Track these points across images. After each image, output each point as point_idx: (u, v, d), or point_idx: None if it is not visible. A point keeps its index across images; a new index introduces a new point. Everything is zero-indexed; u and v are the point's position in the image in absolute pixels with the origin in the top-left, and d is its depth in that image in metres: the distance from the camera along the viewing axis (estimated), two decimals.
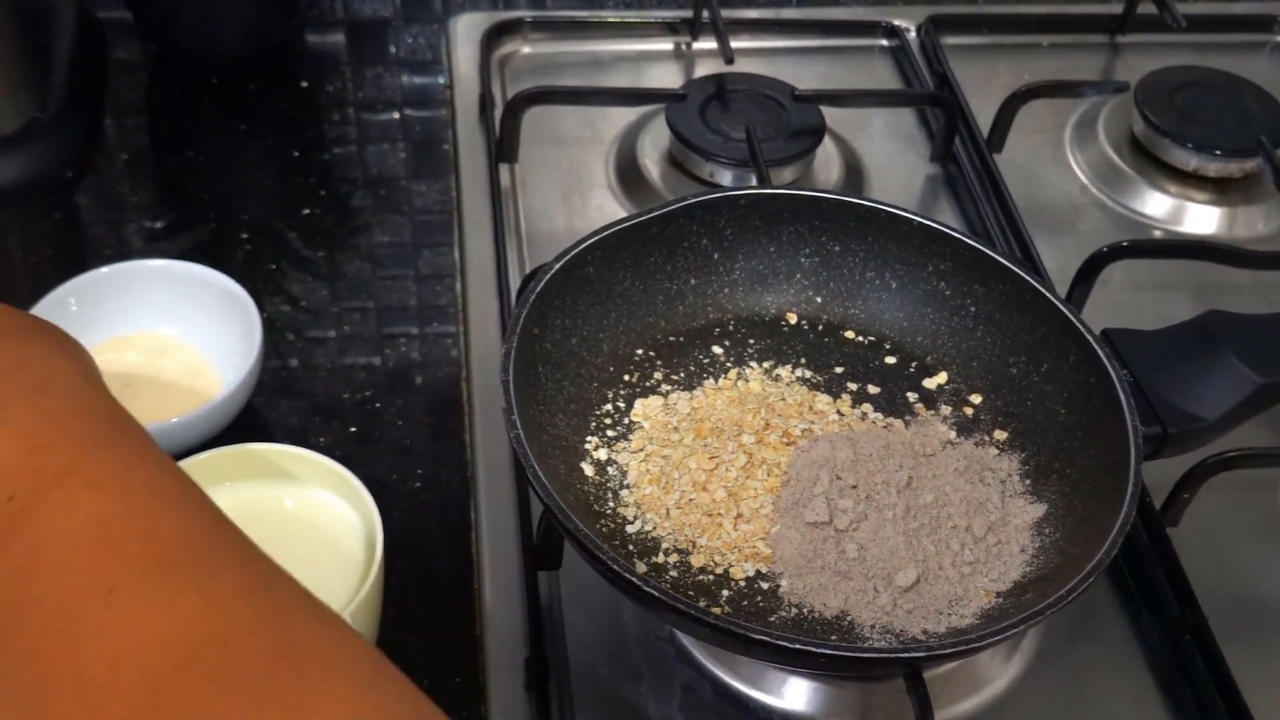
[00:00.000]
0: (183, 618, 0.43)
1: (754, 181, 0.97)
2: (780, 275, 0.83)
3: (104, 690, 0.41)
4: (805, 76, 1.10)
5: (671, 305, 0.81)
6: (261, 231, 0.98)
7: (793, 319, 0.83)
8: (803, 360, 0.81)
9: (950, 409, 0.79)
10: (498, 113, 1.03)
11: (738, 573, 0.70)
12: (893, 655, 0.64)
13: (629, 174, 1.02)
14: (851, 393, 0.79)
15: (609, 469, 0.74)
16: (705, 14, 1.11)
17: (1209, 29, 1.19)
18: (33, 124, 0.99)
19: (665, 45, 1.16)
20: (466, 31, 1.14)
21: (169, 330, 0.85)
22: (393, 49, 1.17)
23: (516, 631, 0.73)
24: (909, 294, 0.82)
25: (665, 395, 0.78)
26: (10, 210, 0.97)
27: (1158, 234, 1.03)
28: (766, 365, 0.80)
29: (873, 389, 0.80)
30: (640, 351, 0.80)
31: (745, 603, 0.68)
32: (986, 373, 0.80)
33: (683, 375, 0.79)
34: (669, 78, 1.13)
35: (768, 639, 0.60)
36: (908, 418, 0.78)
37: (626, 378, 0.79)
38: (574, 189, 1.01)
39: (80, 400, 0.53)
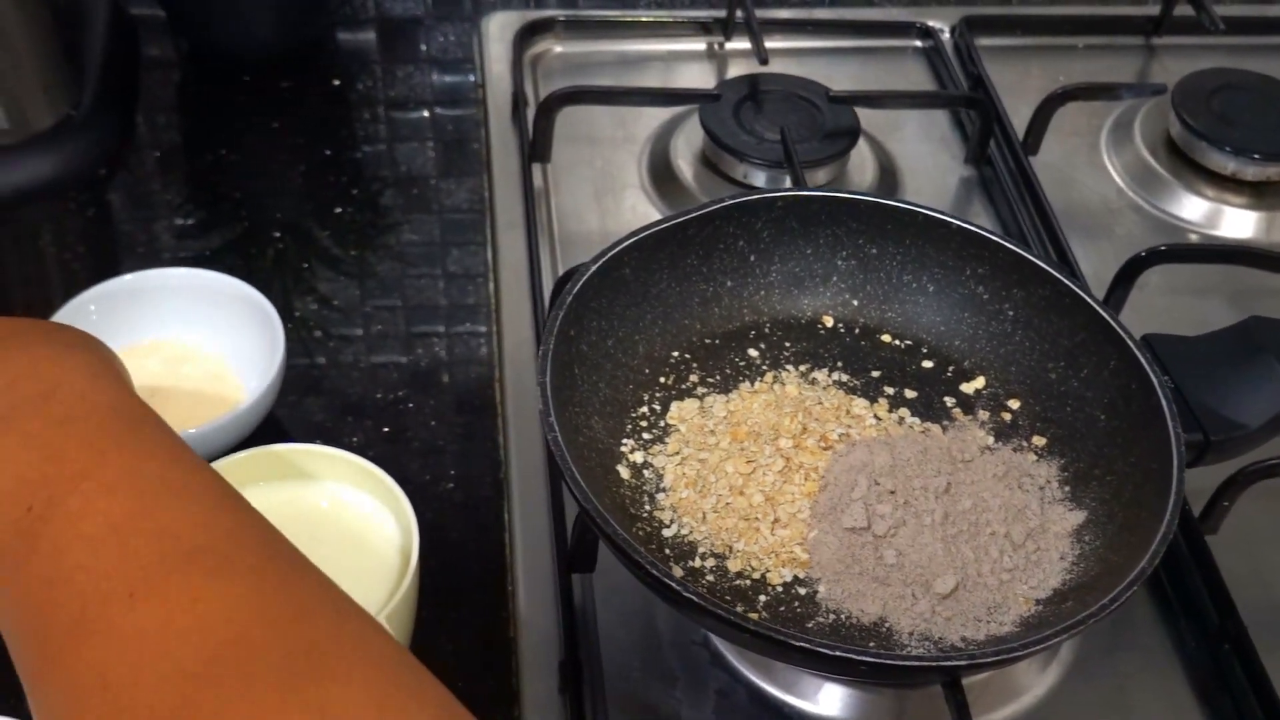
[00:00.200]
0: (204, 619, 0.43)
1: (788, 183, 0.96)
2: (817, 278, 0.83)
3: (130, 694, 0.41)
4: (838, 77, 1.10)
5: (707, 307, 0.81)
6: (292, 230, 0.98)
7: (829, 322, 0.82)
8: (839, 364, 0.80)
9: (988, 414, 0.78)
10: (530, 112, 1.03)
11: (775, 578, 0.69)
12: (933, 664, 0.63)
13: (662, 175, 1.02)
14: (889, 397, 0.79)
15: (645, 472, 0.74)
16: (739, 14, 1.11)
17: (1246, 31, 1.18)
18: (66, 121, 0.99)
19: (698, 45, 1.16)
20: (499, 30, 1.14)
21: (190, 338, 0.85)
22: (424, 47, 1.17)
23: (550, 635, 0.73)
24: (946, 298, 0.82)
25: (701, 398, 0.77)
26: (43, 207, 0.97)
27: (1194, 238, 1.02)
28: (803, 369, 0.80)
29: (910, 393, 0.79)
30: (676, 354, 0.79)
31: (783, 608, 0.68)
32: (1025, 377, 0.79)
33: (718, 378, 0.79)
34: (701, 78, 1.13)
35: (808, 646, 0.59)
36: (945, 423, 0.78)
37: (662, 380, 0.78)
38: (607, 189, 1.01)
39: (89, 401, 0.52)
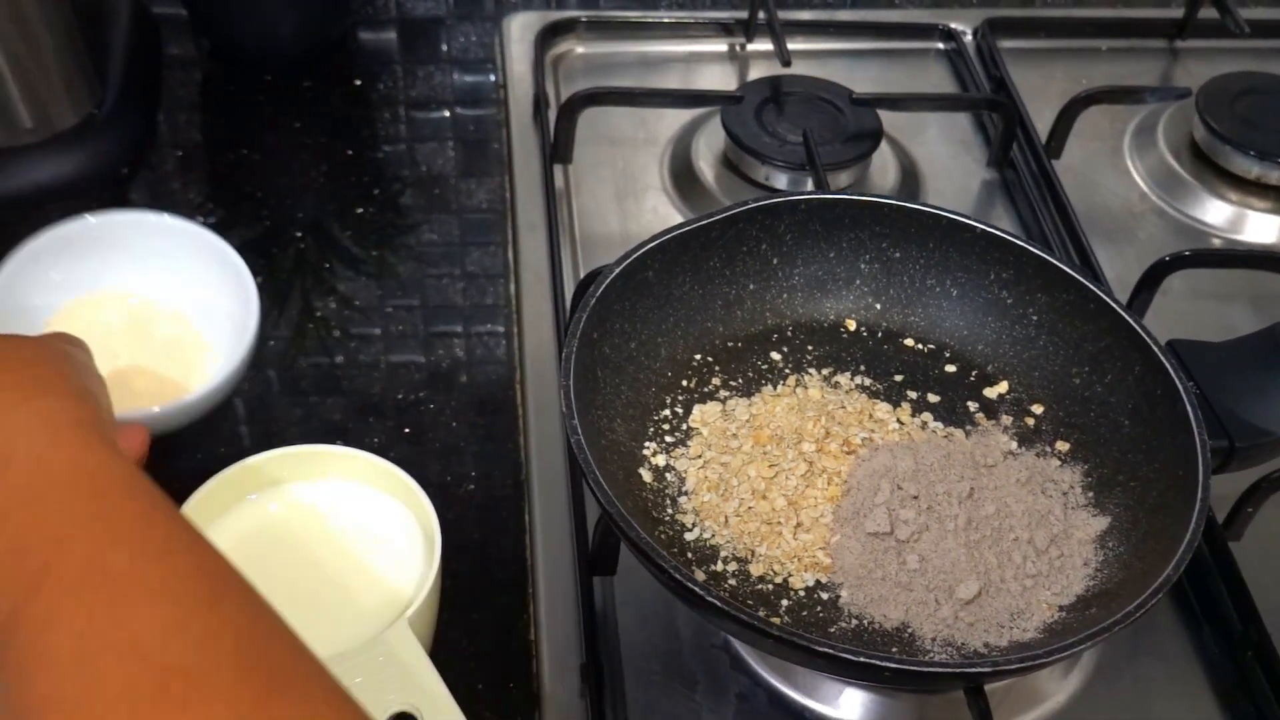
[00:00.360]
0: None
1: (810, 185, 0.96)
2: (839, 281, 0.82)
3: None
4: (859, 79, 1.09)
5: (730, 310, 0.81)
6: (313, 230, 0.98)
7: (852, 326, 0.82)
8: (862, 368, 0.80)
9: (1011, 419, 0.78)
10: (552, 113, 1.03)
11: (797, 582, 0.69)
12: (957, 670, 0.63)
13: (683, 176, 1.02)
14: (911, 401, 0.79)
15: (667, 475, 0.74)
16: (761, 15, 1.10)
17: (1272, 34, 1.18)
18: (89, 120, 0.99)
19: (719, 46, 1.15)
20: (520, 31, 1.14)
21: (154, 289, 0.82)
22: (445, 47, 1.16)
23: (571, 637, 0.73)
24: (970, 302, 0.81)
25: (723, 401, 0.77)
26: (66, 205, 0.97)
27: (1217, 242, 1.02)
28: (825, 372, 0.80)
29: (933, 398, 0.79)
30: (698, 357, 0.79)
31: (805, 613, 0.68)
32: (1048, 382, 0.79)
33: (741, 381, 0.79)
34: (723, 79, 1.13)
35: (832, 651, 0.59)
36: (968, 427, 0.77)
37: (684, 383, 0.78)
38: (628, 191, 1.01)
39: (48, 468, 0.50)
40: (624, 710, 0.70)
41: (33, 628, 0.44)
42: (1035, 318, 0.79)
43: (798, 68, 1.06)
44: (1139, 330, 0.74)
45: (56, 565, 0.45)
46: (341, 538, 0.68)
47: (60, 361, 0.59)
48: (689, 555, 0.70)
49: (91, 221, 0.79)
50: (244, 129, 1.06)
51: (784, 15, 1.12)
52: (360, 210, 1.00)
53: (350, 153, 1.04)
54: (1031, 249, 0.79)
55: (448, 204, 1.01)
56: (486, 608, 0.75)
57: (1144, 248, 0.99)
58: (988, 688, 0.68)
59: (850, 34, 1.18)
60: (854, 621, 0.67)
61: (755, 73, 1.12)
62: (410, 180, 1.03)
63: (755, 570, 0.69)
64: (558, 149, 1.01)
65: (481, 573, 0.77)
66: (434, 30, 1.17)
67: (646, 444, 0.75)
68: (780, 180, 0.99)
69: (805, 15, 1.19)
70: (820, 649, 0.59)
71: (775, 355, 0.80)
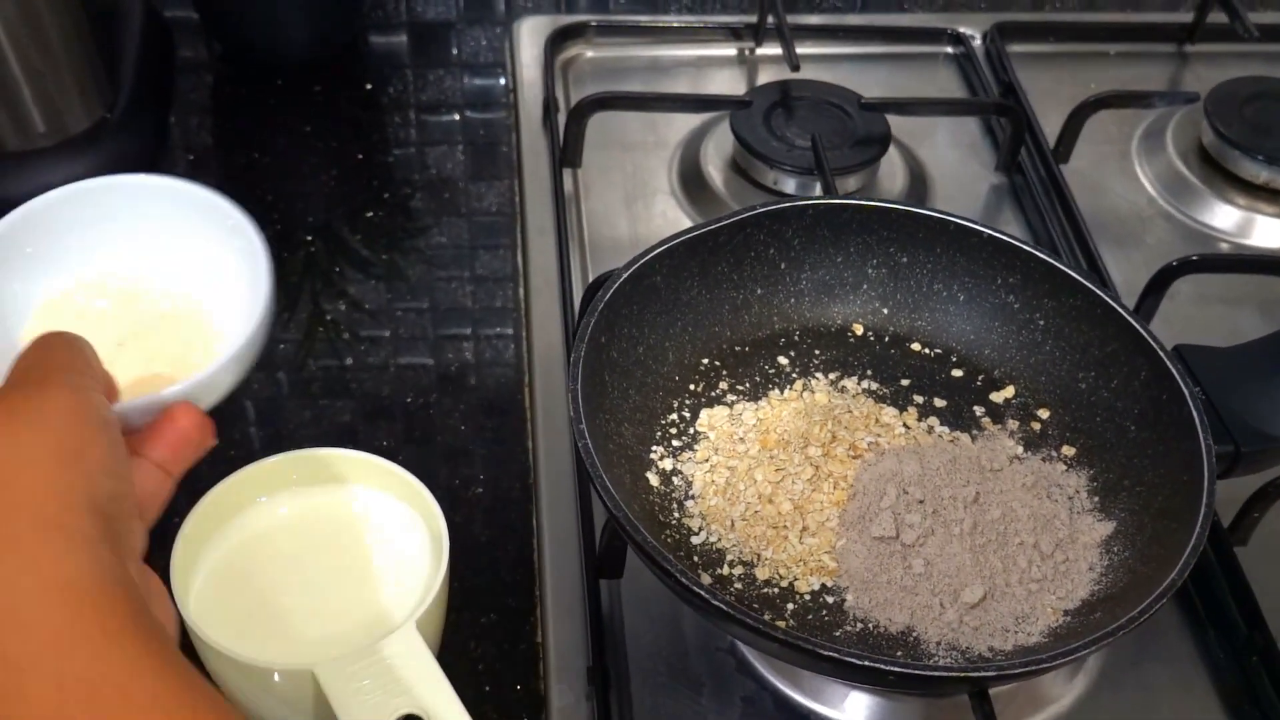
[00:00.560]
0: None
1: (819, 190, 0.97)
2: (847, 286, 0.83)
3: None
4: (868, 83, 1.10)
5: (737, 315, 0.81)
6: (323, 233, 0.98)
7: (859, 330, 0.82)
8: (869, 372, 0.80)
9: (1018, 423, 0.78)
10: (561, 117, 1.03)
11: (803, 586, 0.69)
12: (961, 674, 0.63)
13: (692, 180, 1.02)
14: (918, 405, 0.79)
15: (674, 479, 0.74)
16: (770, 19, 1.11)
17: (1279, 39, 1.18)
18: (101, 124, 0.99)
19: (729, 51, 1.16)
20: (530, 35, 1.14)
21: (147, 267, 0.71)
22: (455, 51, 1.17)
23: (578, 640, 0.73)
24: (977, 306, 0.81)
25: (731, 405, 0.78)
26: None
27: (1225, 247, 1.02)
28: (832, 376, 0.80)
29: (939, 402, 0.79)
30: (706, 361, 0.79)
31: (810, 617, 0.68)
32: (1055, 387, 0.79)
33: (748, 386, 0.79)
34: (732, 83, 1.13)
35: (836, 655, 0.59)
36: (975, 432, 0.78)
37: (692, 387, 0.78)
38: (637, 195, 1.01)
39: (26, 596, 0.46)
40: (630, 713, 0.70)
41: None
42: (1042, 322, 0.80)
43: (807, 72, 1.06)
44: (1145, 335, 0.74)
45: None
46: (350, 541, 0.69)
47: (47, 461, 0.51)
48: (695, 559, 0.70)
49: (69, 191, 0.68)
50: (255, 132, 1.07)
51: (793, 20, 1.12)
52: (370, 214, 1.00)
53: (360, 156, 1.05)
54: (1038, 254, 0.79)
55: (457, 207, 1.01)
56: (494, 610, 0.76)
57: (1152, 252, 0.99)
58: (992, 692, 0.68)
59: (859, 38, 1.18)
60: (859, 625, 0.68)
61: (764, 77, 1.12)
62: (420, 184, 1.03)
63: (761, 574, 0.70)
64: (567, 153, 1.01)
65: (489, 575, 0.78)
66: (444, 34, 1.18)
67: (654, 448, 0.75)
68: (789, 185, 0.99)
69: (814, 20, 1.19)
70: (825, 653, 0.59)
71: (782, 359, 0.81)
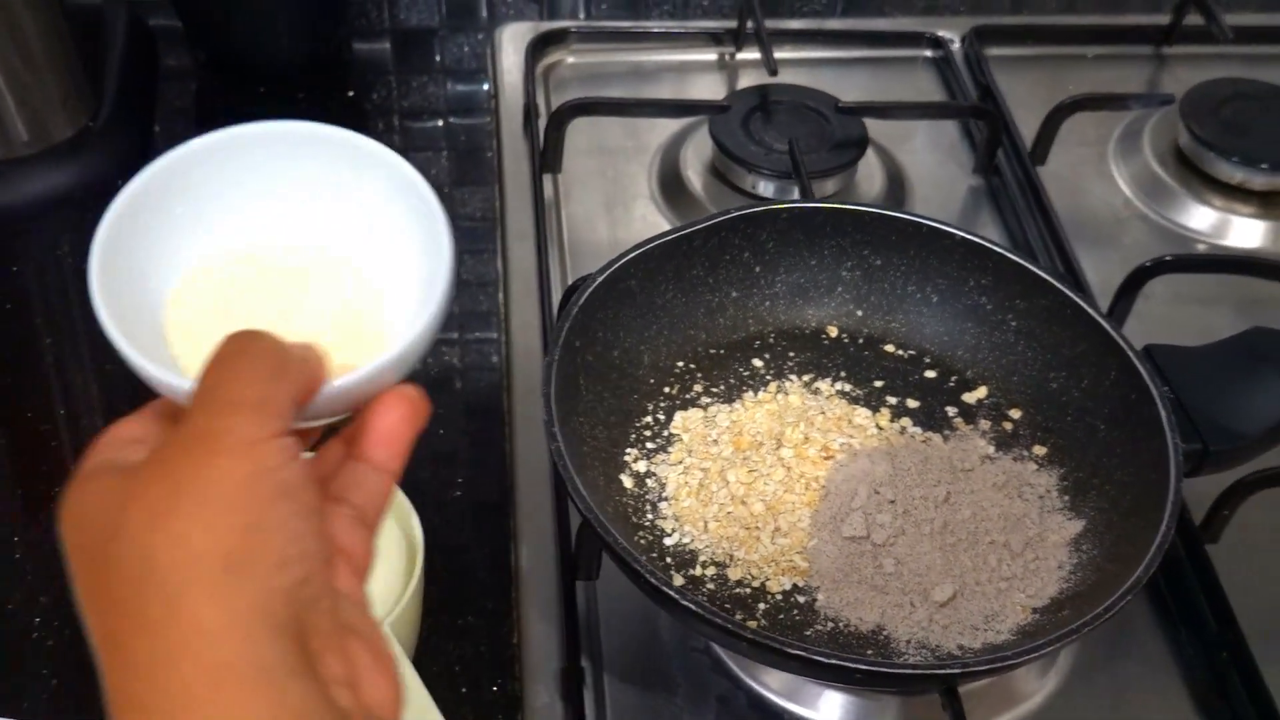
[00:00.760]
0: None
1: (796, 194, 0.97)
2: (821, 288, 0.83)
3: None
4: (848, 87, 1.10)
5: (712, 318, 0.82)
6: None
7: (833, 332, 0.83)
8: (843, 374, 0.81)
9: (990, 424, 0.79)
10: (542, 123, 1.04)
11: (774, 586, 0.70)
12: (928, 672, 0.64)
13: (671, 185, 1.03)
14: (891, 407, 0.80)
15: (648, 481, 0.75)
16: (749, 25, 1.11)
17: (1257, 40, 1.18)
18: (85, 132, 1.00)
19: (709, 56, 1.17)
20: (512, 41, 1.15)
21: (299, 230, 0.56)
22: (438, 58, 1.18)
23: (554, 641, 0.74)
24: (950, 308, 0.82)
25: (705, 408, 0.78)
26: (62, 217, 0.99)
27: (1202, 247, 1.03)
28: (806, 378, 0.81)
29: (912, 403, 0.80)
30: (681, 364, 0.80)
31: (781, 616, 0.69)
32: (1026, 387, 0.80)
33: (723, 388, 0.80)
34: (713, 88, 1.14)
35: (804, 654, 0.60)
36: (947, 432, 0.79)
37: (667, 390, 0.79)
38: (617, 199, 1.02)
39: None
40: (605, 713, 0.71)
41: None
42: (1014, 323, 0.80)
43: (788, 76, 1.07)
44: (1114, 335, 0.75)
45: None
46: None
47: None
48: (668, 560, 0.71)
49: (209, 141, 0.54)
50: None
51: (773, 24, 1.13)
52: None
53: None
54: (1010, 255, 0.80)
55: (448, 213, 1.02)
56: (471, 613, 0.76)
57: (1128, 253, 1.00)
58: (964, 689, 0.69)
59: (839, 43, 1.18)
60: (830, 625, 0.69)
61: (745, 81, 1.13)
62: None
63: (733, 574, 0.70)
64: (547, 158, 1.02)
65: (467, 578, 0.78)
66: (427, 40, 1.19)
67: (628, 450, 0.76)
68: (767, 188, 1.00)
69: (795, 24, 1.20)
70: (792, 651, 0.60)
71: (757, 362, 0.81)
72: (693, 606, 0.61)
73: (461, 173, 1.07)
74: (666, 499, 0.74)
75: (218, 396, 0.44)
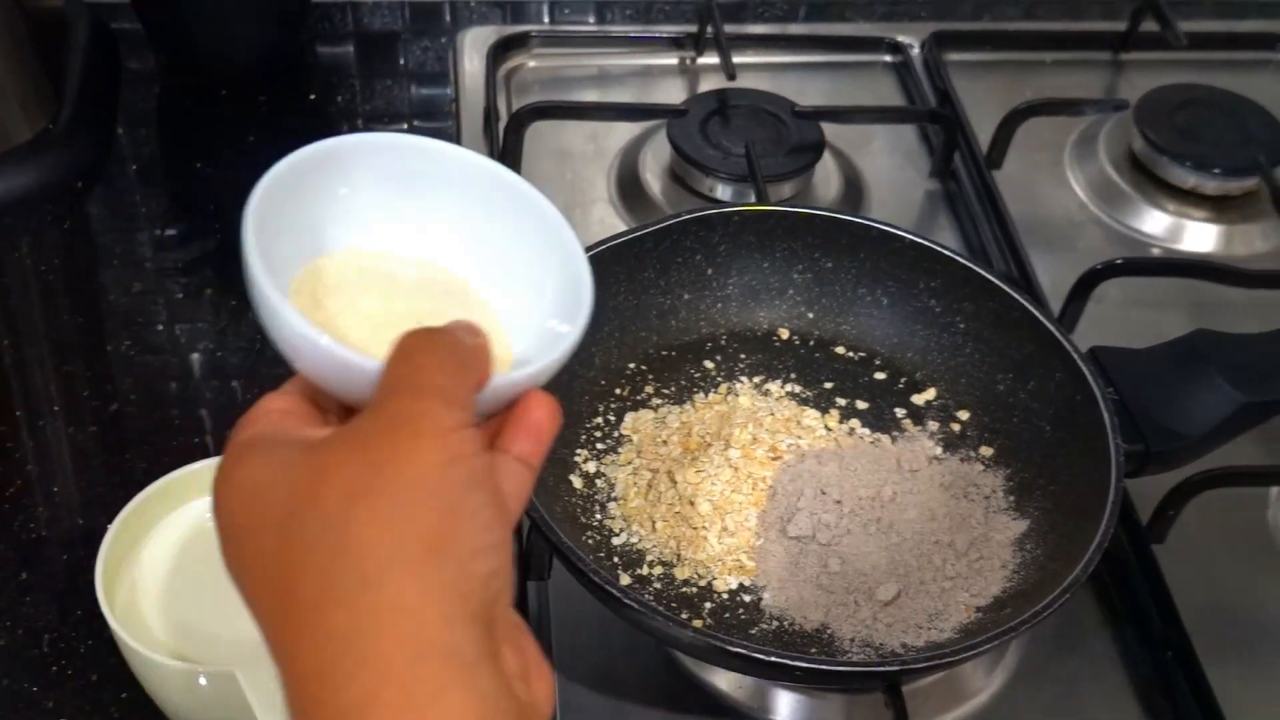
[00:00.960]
0: None
1: (753, 197, 0.98)
2: (773, 291, 0.84)
3: None
4: (809, 92, 1.11)
5: (664, 320, 0.82)
6: None
7: (785, 334, 0.84)
8: (793, 375, 0.82)
9: (938, 425, 0.80)
10: (502, 126, 1.04)
11: (721, 585, 0.71)
12: (867, 669, 0.65)
13: (630, 188, 1.03)
14: (840, 408, 0.80)
15: (597, 481, 0.75)
16: (709, 30, 1.12)
17: (1213, 47, 1.19)
18: (44, 134, 1.00)
19: (671, 60, 1.17)
20: (474, 45, 1.15)
21: (415, 243, 0.55)
22: (402, 61, 1.18)
23: None
24: (900, 310, 0.83)
25: (656, 409, 0.79)
26: (20, 219, 0.99)
27: (1156, 251, 1.04)
28: (757, 380, 0.81)
29: (861, 404, 0.81)
30: (632, 365, 0.81)
31: (727, 615, 0.69)
32: (975, 389, 0.81)
33: (674, 389, 0.80)
34: (674, 92, 1.14)
35: (745, 652, 0.61)
36: (895, 433, 0.79)
37: (618, 391, 0.80)
38: (576, 202, 1.02)
39: None
40: (555, 713, 0.71)
41: None
42: (962, 325, 0.81)
43: (750, 81, 1.08)
44: (1059, 337, 0.76)
45: None
46: None
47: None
48: (616, 559, 0.71)
49: (317, 149, 0.54)
50: (199, 143, 1.08)
51: (734, 29, 1.14)
52: None
53: None
54: (958, 259, 0.81)
55: None
56: None
57: (1082, 257, 1.00)
58: (911, 687, 0.70)
59: (800, 47, 1.19)
60: (775, 623, 0.69)
61: (706, 86, 1.13)
62: None
63: (680, 574, 0.71)
64: (506, 161, 1.01)
65: None
66: (390, 45, 1.19)
67: (578, 451, 0.76)
68: (724, 192, 1.01)
69: (756, 29, 1.21)
70: (734, 650, 0.61)
71: (708, 363, 0.82)
72: (635, 605, 0.62)
73: None
74: (615, 499, 0.74)
75: (412, 383, 0.44)
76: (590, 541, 0.72)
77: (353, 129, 1.11)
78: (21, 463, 0.84)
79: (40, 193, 1.00)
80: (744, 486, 0.74)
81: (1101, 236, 1.04)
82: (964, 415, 0.80)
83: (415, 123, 1.12)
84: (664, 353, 0.82)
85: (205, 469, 0.71)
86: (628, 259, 0.80)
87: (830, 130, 1.04)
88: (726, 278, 0.83)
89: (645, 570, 0.71)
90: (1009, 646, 0.75)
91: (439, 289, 0.55)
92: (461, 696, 0.40)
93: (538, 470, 0.50)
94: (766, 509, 0.73)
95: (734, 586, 0.71)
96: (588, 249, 0.77)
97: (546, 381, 0.51)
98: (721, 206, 0.90)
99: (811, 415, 0.79)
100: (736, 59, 1.06)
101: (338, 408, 0.50)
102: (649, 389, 0.80)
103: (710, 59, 1.16)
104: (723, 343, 0.83)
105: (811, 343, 0.84)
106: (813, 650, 0.68)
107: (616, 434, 0.78)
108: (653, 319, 0.82)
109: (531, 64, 1.16)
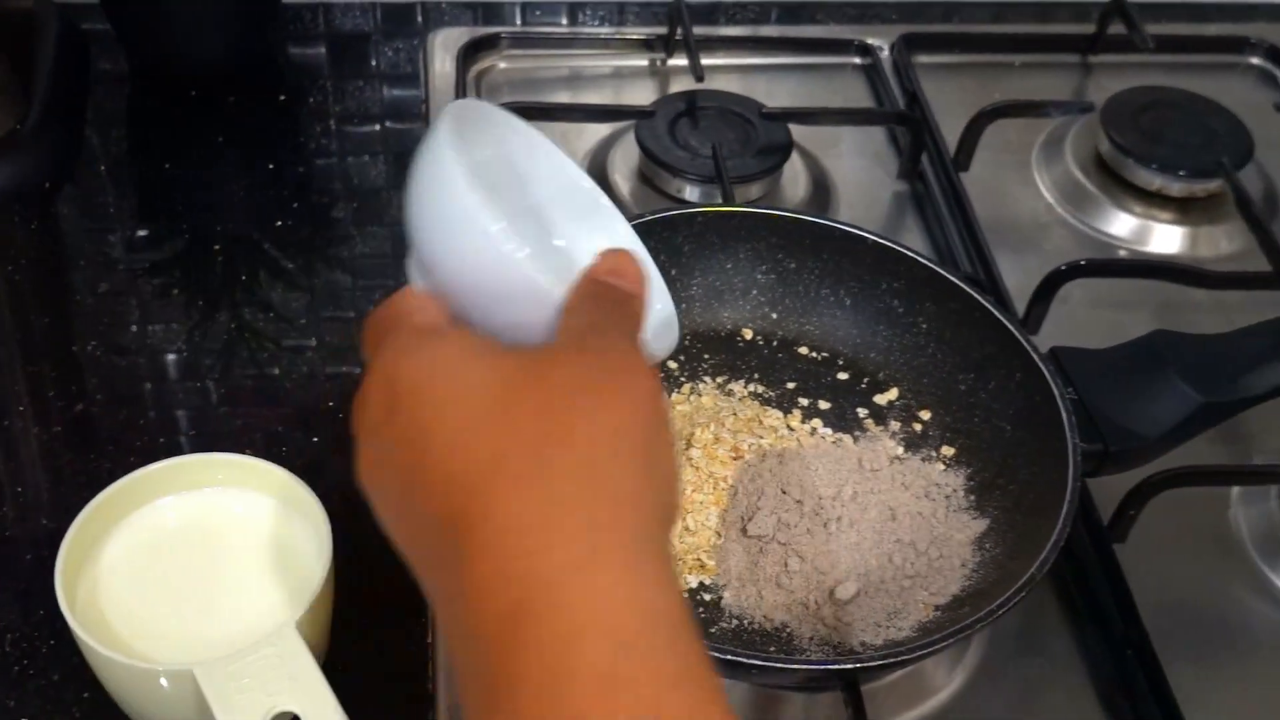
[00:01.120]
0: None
1: (719, 198, 0.98)
2: (737, 291, 0.84)
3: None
4: (779, 93, 1.12)
5: None
6: (236, 243, 0.99)
7: (748, 334, 0.84)
8: (756, 375, 0.82)
9: (899, 425, 0.80)
10: None
11: (681, 584, 0.71)
12: (823, 667, 0.65)
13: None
14: (803, 408, 0.81)
15: None
16: (679, 31, 1.12)
17: (1181, 49, 1.20)
18: (12, 135, 1.00)
19: (641, 62, 1.17)
20: (444, 46, 1.15)
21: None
22: (373, 62, 1.18)
23: None
24: (863, 311, 0.83)
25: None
26: None
27: (1122, 253, 1.04)
28: (720, 380, 0.82)
29: (824, 404, 0.81)
30: None
31: None
32: (936, 389, 0.81)
33: None
34: (644, 94, 1.14)
35: None
36: (857, 433, 0.80)
37: None
38: None
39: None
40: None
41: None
42: (925, 326, 0.82)
43: (719, 82, 1.08)
44: (1019, 338, 0.77)
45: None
46: (237, 544, 0.70)
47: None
48: None
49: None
50: (167, 144, 1.07)
51: (705, 31, 1.14)
52: (280, 223, 1.01)
53: (272, 167, 1.06)
54: (920, 259, 0.81)
55: (375, 217, 1.03)
56: (391, 614, 0.77)
57: (1048, 258, 1.00)
58: (871, 686, 0.70)
59: (770, 49, 1.20)
60: (735, 622, 0.70)
61: (676, 87, 1.13)
62: (337, 194, 1.04)
63: None
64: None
65: (387, 580, 0.78)
66: (361, 45, 1.19)
67: None
68: (692, 193, 1.01)
69: (727, 31, 1.21)
70: None
71: (671, 364, 0.82)
72: None
73: (397, 177, 1.07)
74: None
75: (613, 324, 0.48)
76: None
77: (324, 130, 1.11)
78: None
79: (8, 193, 0.99)
80: (705, 486, 0.74)
81: (1068, 238, 1.05)
82: (926, 415, 0.81)
83: (388, 123, 1.12)
84: None
85: (168, 468, 0.71)
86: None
87: (798, 132, 1.05)
88: (690, 278, 0.84)
89: None
90: (969, 645, 0.76)
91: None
92: (650, 596, 0.42)
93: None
94: (728, 508, 0.73)
95: (694, 585, 0.71)
96: None
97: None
98: (678, 208, 0.91)
99: (774, 415, 0.79)
100: (708, 61, 1.07)
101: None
102: None
103: (680, 61, 1.16)
104: (686, 343, 0.83)
105: (775, 343, 0.84)
106: (771, 649, 0.68)
107: None
108: None
109: (502, 65, 1.16)
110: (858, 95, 1.17)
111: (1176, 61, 1.20)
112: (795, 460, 0.75)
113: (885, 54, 1.19)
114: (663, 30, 1.16)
